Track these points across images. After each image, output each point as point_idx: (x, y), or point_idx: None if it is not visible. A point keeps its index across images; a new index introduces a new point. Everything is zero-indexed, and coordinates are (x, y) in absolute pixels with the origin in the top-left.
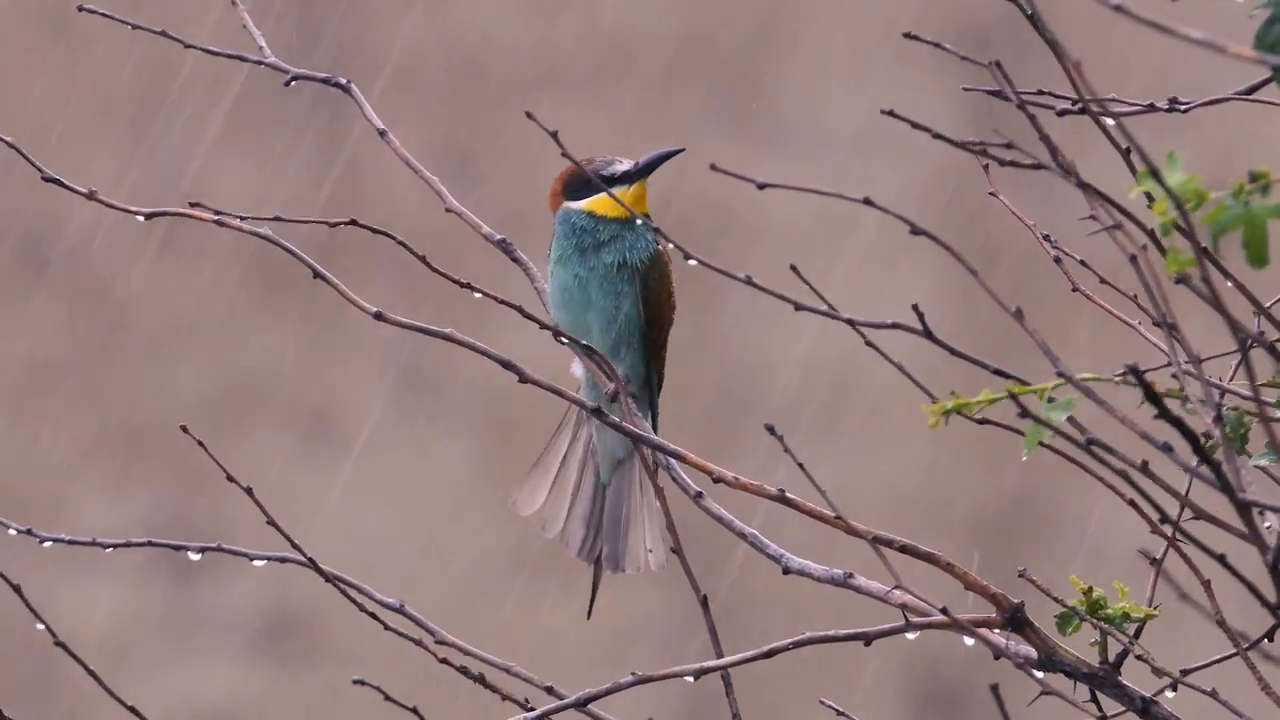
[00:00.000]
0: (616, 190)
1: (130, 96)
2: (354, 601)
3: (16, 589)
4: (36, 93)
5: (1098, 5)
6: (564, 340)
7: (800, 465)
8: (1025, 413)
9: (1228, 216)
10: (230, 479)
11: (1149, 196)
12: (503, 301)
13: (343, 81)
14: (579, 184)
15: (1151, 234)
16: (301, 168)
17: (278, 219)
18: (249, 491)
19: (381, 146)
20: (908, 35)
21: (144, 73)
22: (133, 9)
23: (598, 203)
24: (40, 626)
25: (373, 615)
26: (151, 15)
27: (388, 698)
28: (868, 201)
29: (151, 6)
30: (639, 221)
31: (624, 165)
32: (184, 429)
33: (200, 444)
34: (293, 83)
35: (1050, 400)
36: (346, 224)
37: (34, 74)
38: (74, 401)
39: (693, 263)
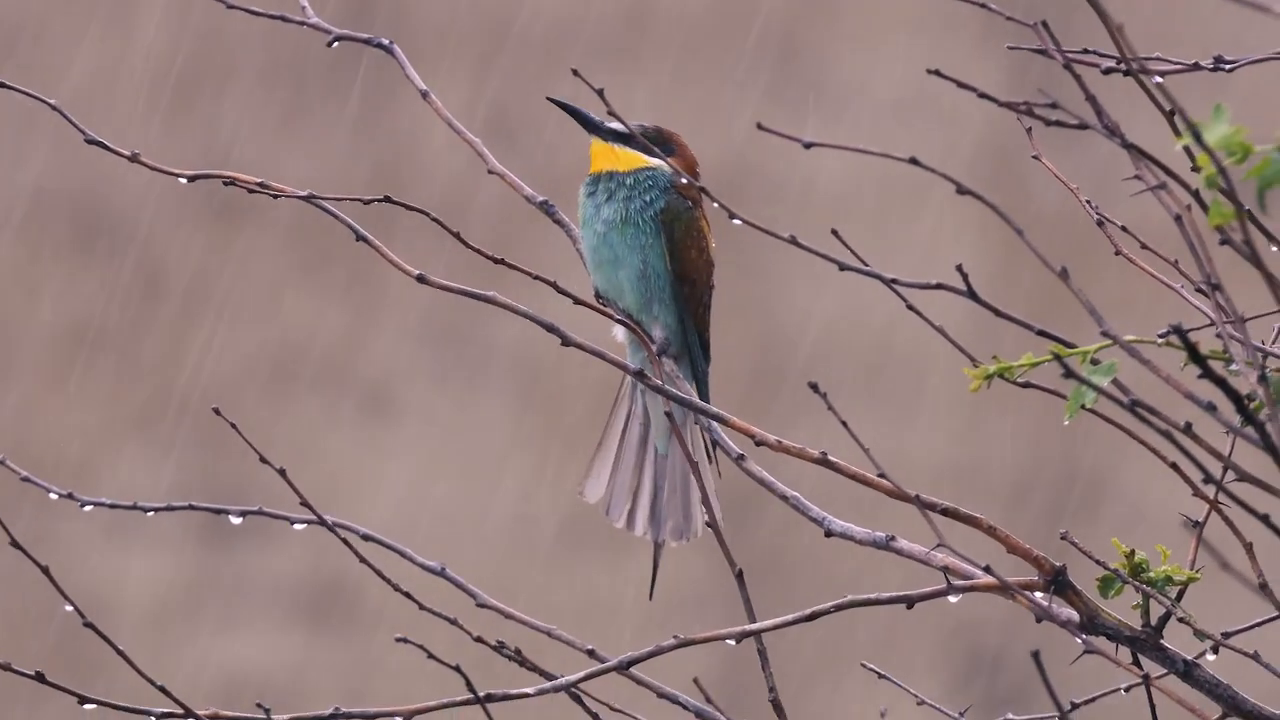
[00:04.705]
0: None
1: (172, 68)
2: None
3: (45, 570)
4: (78, 64)
5: None
6: (601, 304)
7: (844, 423)
8: (1070, 373)
9: (1273, 170)
10: (263, 460)
11: (1191, 156)
12: (536, 277)
13: (385, 42)
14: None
15: (1196, 194)
16: (343, 136)
17: (311, 196)
18: (282, 473)
19: (421, 113)
20: None
21: (186, 43)
22: None
23: (596, 158)
24: (70, 608)
25: (401, 592)
26: None
27: (430, 655)
28: (914, 161)
29: None
30: (652, 170)
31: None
32: (216, 411)
33: (233, 426)
34: (335, 44)
35: (1094, 363)
36: (381, 201)
37: (76, 45)
38: (114, 369)
39: (737, 222)
